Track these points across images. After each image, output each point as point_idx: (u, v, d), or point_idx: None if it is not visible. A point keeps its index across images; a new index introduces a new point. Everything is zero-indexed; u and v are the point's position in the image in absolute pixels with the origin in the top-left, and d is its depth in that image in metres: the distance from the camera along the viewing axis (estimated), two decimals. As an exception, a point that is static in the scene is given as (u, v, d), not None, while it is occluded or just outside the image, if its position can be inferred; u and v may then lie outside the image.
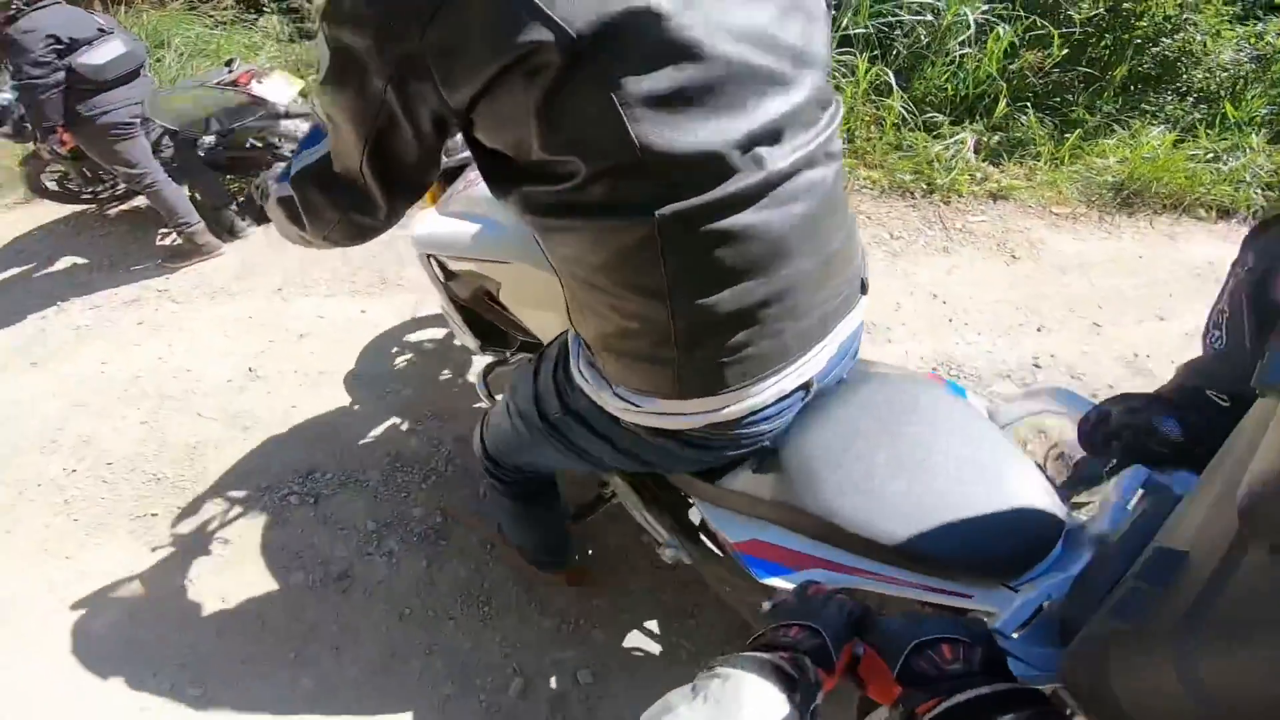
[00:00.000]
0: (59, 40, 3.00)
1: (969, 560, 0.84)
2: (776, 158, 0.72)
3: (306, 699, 1.66)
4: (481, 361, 2.09)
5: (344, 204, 0.81)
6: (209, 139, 3.50)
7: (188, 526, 2.11)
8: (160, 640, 1.81)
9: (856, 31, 3.36)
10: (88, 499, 2.25)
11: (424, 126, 0.70)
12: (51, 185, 3.84)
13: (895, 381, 1.01)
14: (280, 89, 3.39)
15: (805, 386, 0.90)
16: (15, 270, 3.56)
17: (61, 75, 2.99)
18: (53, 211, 4.00)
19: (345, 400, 2.46)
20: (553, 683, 1.59)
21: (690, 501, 1.16)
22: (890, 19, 3.39)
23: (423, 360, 2.60)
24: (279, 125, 3.46)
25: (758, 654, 0.55)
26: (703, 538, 1.26)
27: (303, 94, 3.53)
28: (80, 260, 3.52)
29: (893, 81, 3.25)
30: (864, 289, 0.95)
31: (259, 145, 3.56)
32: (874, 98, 3.35)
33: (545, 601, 1.77)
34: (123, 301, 3.08)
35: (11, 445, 2.50)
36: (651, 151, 0.65)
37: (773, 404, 0.86)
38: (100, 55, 3.08)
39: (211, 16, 6.83)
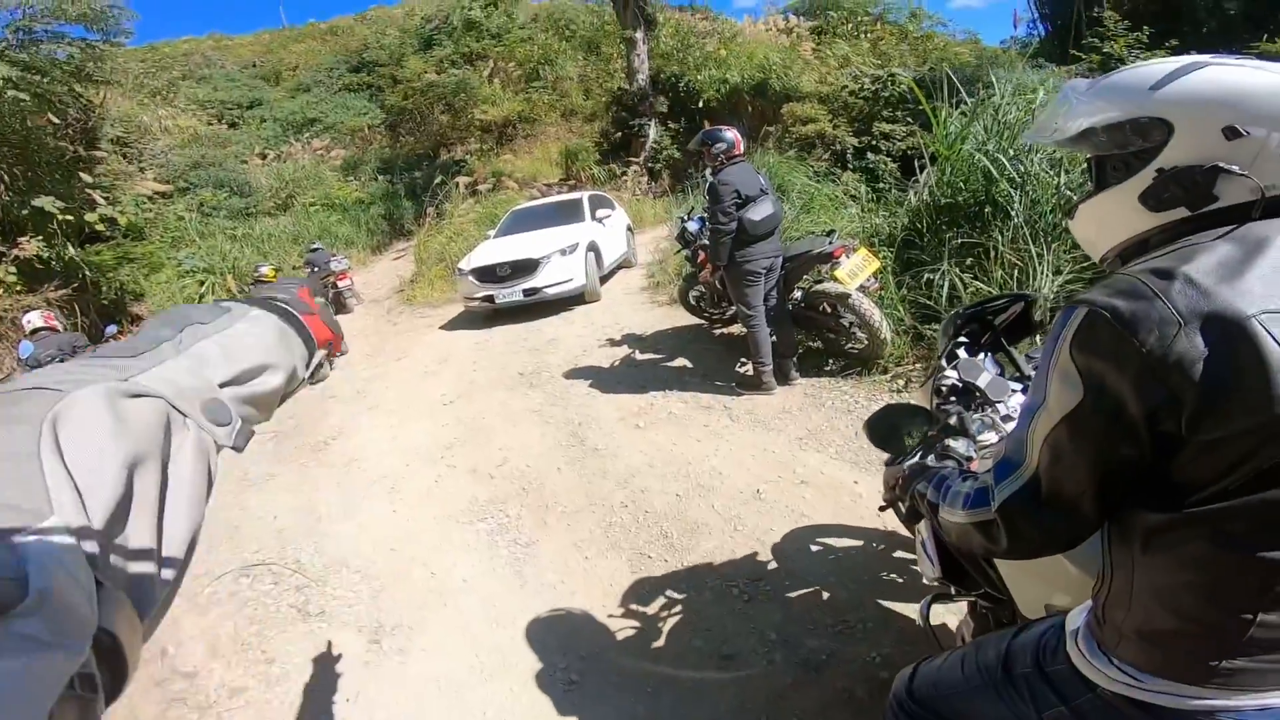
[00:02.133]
0: (739, 195, 3.79)
1: None
2: None
3: (627, 717, 2.18)
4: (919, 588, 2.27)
5: (1050, 524, 0.88)
6: (798, 294, 4.46)
7: (662, 577, 2.86)
8: (582, 634, 2.57)
9: None
10: (622, 527, 3.27)
11: (1154, 448, 0.78)
12: (691, 300, 5.49)
13: None
14: (858, 269, 4.01)
15: None
16: (648, 355, 5.27)
17: (734, 225, 3.81)
18: (685, 318, 5.73)
19: (810, 540, 2.92)
20: None
21: None
22: None
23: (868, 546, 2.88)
24: (850, 299, 4.10)
25: None
26: None
27: (875, 274, 4.11)
28: (688, 363, 4.98)
29: None
30: None
31: (828, 310, 4.37)
32: None
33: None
34: (700, 405, 4.27)
35: (603, 473, 3.79)
36: None
37: None
38: (759, 213, 3.85)
39: (810, 166, 8.35)
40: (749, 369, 4.41)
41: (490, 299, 7.44)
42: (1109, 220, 0.94)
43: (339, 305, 9.26)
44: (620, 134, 14.31)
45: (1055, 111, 0.97)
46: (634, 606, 2.72)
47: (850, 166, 8.41)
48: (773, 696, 2.18)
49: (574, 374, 5.30)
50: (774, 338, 4.25)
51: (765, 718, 2.12)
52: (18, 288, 7.91)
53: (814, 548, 2.88)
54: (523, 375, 5.54)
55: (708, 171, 4.12)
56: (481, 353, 6.48)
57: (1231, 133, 0.78)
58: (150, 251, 10.60)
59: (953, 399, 1.59)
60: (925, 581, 1.93)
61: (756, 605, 2.59)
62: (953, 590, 1.74)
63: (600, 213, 8.42)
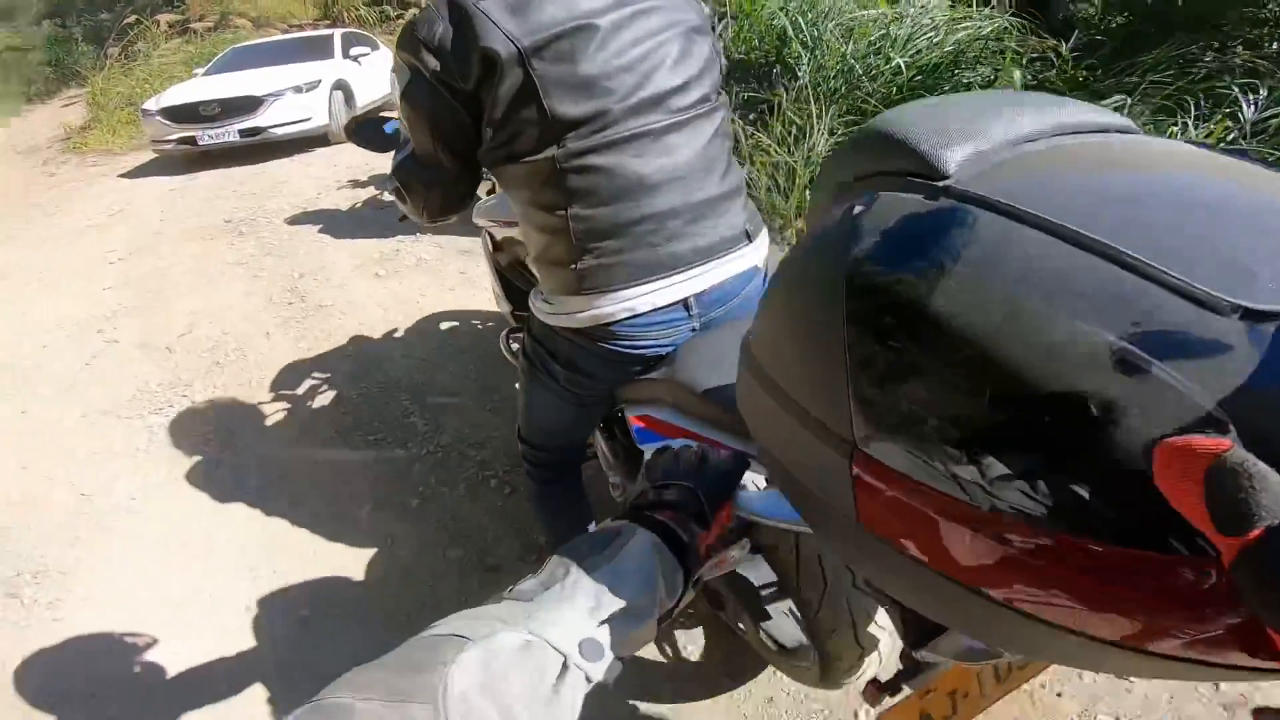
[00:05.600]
0: None
1: None
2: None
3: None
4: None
5: (428, 178, 1.07)
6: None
7: (404, 470, 2.19)
8: (306, 554, 1.92)
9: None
10: (351, 404, 2.51)
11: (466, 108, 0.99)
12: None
13: None
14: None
15: (685, 305, 1.04)
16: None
17: None
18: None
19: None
20: None
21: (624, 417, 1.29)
22: None
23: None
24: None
25: (648, 514, 0.56)
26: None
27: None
28: (445, 205, 4.12)
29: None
30: (749, 238, 1.08)
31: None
32: None
33: None
34: (457, 249, 3.50)
35: (327, 335, 2.96)
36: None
37: (649, 312, 1.01)
38: None
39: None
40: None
41: (192, 140, 6.01)
42: None
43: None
44: (402, -33, 12.23)
45: None
46: (369, 512, 2.04)
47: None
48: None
49: (301, 219, 4.23)
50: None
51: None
52: None
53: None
54: (230, 223, 4.33)
55: None
56: (175, 200, 5.05)
57: None
58: None
59: None
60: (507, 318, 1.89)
61: (518, 499, 2.03)
62: (518, 321, 1.82)
63: (356, 50, 7.52)
